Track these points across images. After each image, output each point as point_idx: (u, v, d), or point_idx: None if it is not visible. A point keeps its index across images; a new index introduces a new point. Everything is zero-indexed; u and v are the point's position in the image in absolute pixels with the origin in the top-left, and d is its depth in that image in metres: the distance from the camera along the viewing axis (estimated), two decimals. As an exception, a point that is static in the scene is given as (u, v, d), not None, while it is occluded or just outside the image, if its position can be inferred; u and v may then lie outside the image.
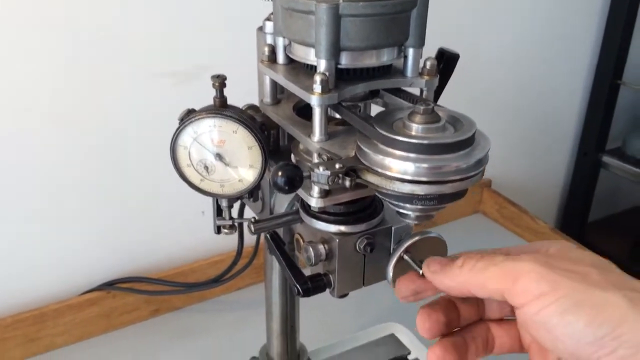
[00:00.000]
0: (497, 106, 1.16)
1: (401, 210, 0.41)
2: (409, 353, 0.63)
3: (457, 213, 1.17)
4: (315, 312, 0.73)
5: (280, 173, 0.36)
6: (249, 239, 0.80)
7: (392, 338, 0.65)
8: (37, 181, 0.79)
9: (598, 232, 1.37)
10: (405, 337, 0.80)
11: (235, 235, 0.90)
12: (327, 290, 0.50)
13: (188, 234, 0.92)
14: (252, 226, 0.48)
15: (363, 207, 0.48)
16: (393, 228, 0.48)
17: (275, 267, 0.62)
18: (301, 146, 0.49)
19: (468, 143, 0.37)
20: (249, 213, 0.61)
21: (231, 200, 0.50)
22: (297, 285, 0.48)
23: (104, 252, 0.86)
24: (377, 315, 0.89)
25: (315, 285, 0.48)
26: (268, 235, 0.50)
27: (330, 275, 0.48)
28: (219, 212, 0.57)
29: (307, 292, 0.48)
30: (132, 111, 0.82)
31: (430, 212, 0.40)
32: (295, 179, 0.37)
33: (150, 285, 0.87)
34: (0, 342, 0.79)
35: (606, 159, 1.26)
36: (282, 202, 0.54)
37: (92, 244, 0.85)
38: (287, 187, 0.37)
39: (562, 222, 1.38)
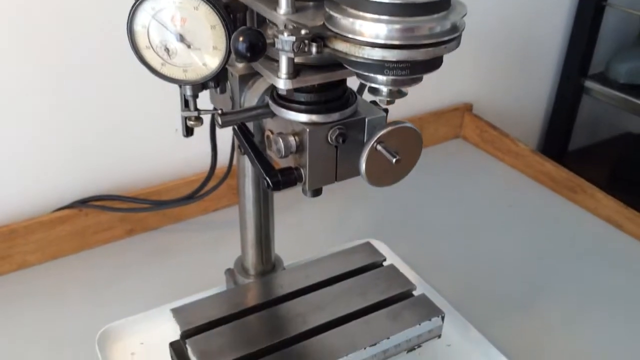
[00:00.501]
0: (479, 29, 1.13)
1: (372, 84, 0.39)
2: (384, 259, 0.63)
3: (437, 137, 1.16)
4: (292, 230, 0.72)
5: (241, 38, 0.34)
6: (223, 158, 0.78)
7: (367, 246, 0.64)
8: (9, 99, 0.76)
9: (579, 158, 1.37)
10: (381, 246, 0.80)
11: (210, 156, 0.89)
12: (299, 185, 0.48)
13: (162, 153, 0.90)
14: (219, 118, 0.46)
15: (335, 96, 0.46)
16: (367, 119, 0.47)
17: (248, 174, 0.61)
18: (269, 31, 0.46)
19: (443, 6, 0.35)
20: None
21: (195, 88, 0.47)
22: (267, 178, 0.46)
23: (76, 171, 0.84)
24: (354, 233, 0.89)
25: (285, 178, 0.47)
26: (236, 127, 0.48)
27: (302, 169, 0.47)
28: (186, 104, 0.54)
29: (277, 185, 0.46)
30: (100, 29, 0.78)
31: (402, 85, 0.38)
32: (257, 45, 0.34)
33: (123, 203, 0.85)
34: (-31, 259, 0.77)
35: (589, 83, 1.25)
36: (252, 99, 0.52)
37: (64, 161, 0.82)
38: (248, 54, 0.35)
39: (543, 147, 1.37)
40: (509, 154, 1.10)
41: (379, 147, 0.45)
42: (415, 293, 0.58)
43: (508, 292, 0.80)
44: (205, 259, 0.84)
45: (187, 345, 0.51)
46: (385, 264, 0.62)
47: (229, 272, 0.70)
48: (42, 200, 0.82)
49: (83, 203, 0.83)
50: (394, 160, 0.44)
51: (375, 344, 0.51)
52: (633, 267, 0.85)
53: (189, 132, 0.56)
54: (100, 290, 0.78)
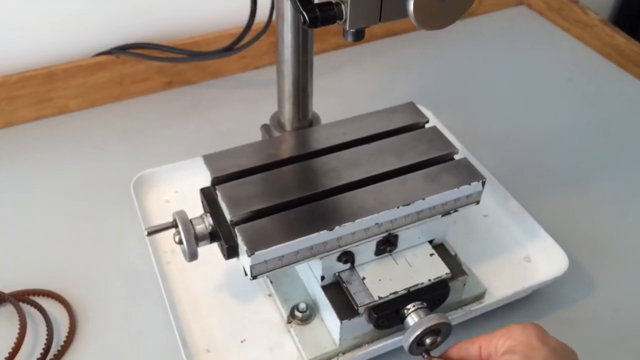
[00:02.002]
0: None
1: None
2: (427, 120, 0.59)
3: (499, 3, 1.06)
4: (331, 94, 0.68)
5: None
6: (263, 8, 0.73)
7: (410, 106, 0.60)
8: None
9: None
10: (425, 112, 0.76)
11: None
12: (338, 23, 0.44)
13: (204, 2, 0.85)
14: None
15: None
16: (419, -51, 0.41)
17: (287, 17, 0.56)
18: None
19: None
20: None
21: None
22: (304, 13, 0.42)
23: (114, 16, 0.80)
24: (399, 101, 0.84)
25: (324, 13, 0.42)
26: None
27: (343, 4, 0.42)
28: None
29: (315, 21, 0.42)
30: None
31: None
32: None
33: (161, 52, 0.82)
34: (9, 101, 0.77)
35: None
36: None
37: (103, 5, 0.79)
38: None
39: (615, 18, 1.25)
40: (577, 24, 1.01)
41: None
42: (456, 157, 0.55)
43: (555, 168, 0.76)
44: (244, 116, 0.82)
45: (217, 192, 0.50)
46: (427, 125, 0.58)
47: (265, 128, 0.68)
48: (81, 45, 0.80)
49: (121, 50, 0.81)
50: (446, -4, 0.39)
51: (408, 204, 0.49)
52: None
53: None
54: (138, 139, 0.78)
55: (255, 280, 0.49)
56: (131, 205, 0.66)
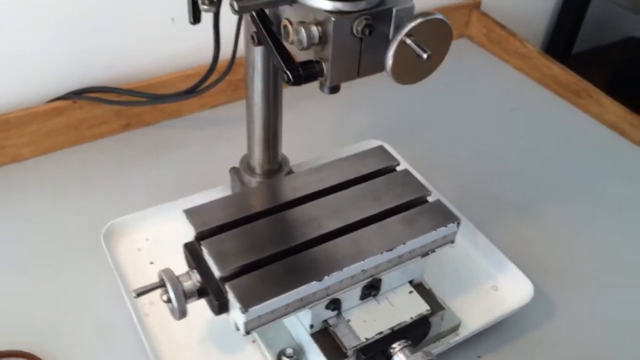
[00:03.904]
0: None
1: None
2: (398, 163, 0.61)
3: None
4: (293, 129, 0.70)
5: None
6: (225, 48, 0.74)
7: (380, 149, 0.62)
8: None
9: (583, 59, 1.34)
10: (392, 149, 0.78)
11: (209, 48, 0.83)
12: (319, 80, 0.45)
13: (158, 43, 0.84)
14: (235, 3, 0.42)
15: (364, -16, 0.42)
16: (394, 9, 0.43)
17: (257, 67, 0.57)
18: None
19: None
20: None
21: (213, -30, 0.43)
22: (287, 72, 0.43)
23: (69, 61, 0.79)
24: (358, 134, 0.87)
25: (307, 72, 0.44)
26: (254, 14, 0.44)
27: (324, 63, 0.44)
28: (195, -1, 0.50)
29: (298, 80, 0.43)
30: None
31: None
32: None
33: (119, 96, 0.81)
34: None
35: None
36: (269, -14, 0.47)
37: (56, 50, 0.77)
38: None
39: (547, 47, 1.33)
40: (516, 56, 1.07)
41: (408, 41, 0.42)
42: (429, 199, 0.57)
43: (508, 195, 0.80)
44: (205, 156, 0.82)
45: (203, 247, 0.50)
46: (398, 168, 0.61)
47: (234, 171, 0.69)
48: (36, 91, 0.78)
49: (77, 94, 0.79)
50: (425, 55, 0.41)
51: (391, 249, 0.51)
52: (636, 174, 0.85)
53: (196, 18, 0.52)
54: (99, 184, 0.77)
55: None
56: (101, 255, 0.64)
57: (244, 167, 0.67)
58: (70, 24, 0.76)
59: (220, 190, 0.71)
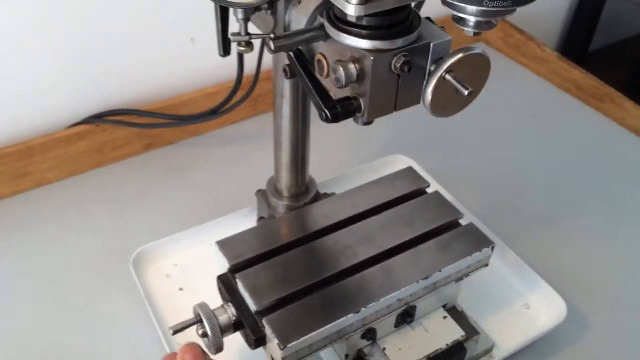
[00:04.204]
0: None
1: (461, 15, 0.34)
2: (429, 185, 0.60)
3: (456, 43, 1.10)
4: (313, 146, 0.69)
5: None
6: (248, 67, 0.74)
7: (410, 171, 0.62)
8: (16, 11, 0.69)
9: (599, 58, 1.33)
10: (407, 162, 0.78)
11: (228, 66, 0.83)
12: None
13: (178, 63, 0.84)
14: (272, 43, 0.42)
15: (400, 19, 0.42)
16: (432, 44, 0.43)
17: (286, 95, 0.57)
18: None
19: None
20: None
21: (248, 11, 0.42)
22: (326, 111, 0.43)
23: (88, 84, 0.79)
24: (379, 149, 0.86)
25: (345, 109, 0.43)
26: (292, 54, 0.43)
27: (361, 99, 0.43)
28: (224, 30, 0.49)
29: (337, 118, 0.43)
30: None
31: (496, 15, 0.34)
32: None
33: (140, 118, 0.81)
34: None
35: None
36: (299, 19, 0.47)
37: (75, 74, 0.77)
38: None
39: (563, 49, 1.32)
40: (534, 60, 1.06)
41: (448, 77, 0.42)
42: (462, 221, 0.57)
43: (533, 206, 0.79)
44: (229, 175, 0.82)
45: (238, 280, 0.50)
46: (428, 190, 0.60)
47: (261, 193, 0.69)
48: (55, 116, 0.78)
49: (98, 118, 0.79)
50: (466, 92, 0.40)
51: (427, 277, 0.51)
52: (660, 180, 0.84)
53: (227, 51, 0.51)
54: (124, 207, 0.77)
55: (265, 355, 0.49)
56: (130, 282, 0.64)
57: (271, 190, 0.67)
58: (88, 48, 0.76)
59: (247, 213, 0.71)
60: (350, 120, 0.44)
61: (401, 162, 0.80)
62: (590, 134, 0.93)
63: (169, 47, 0.82)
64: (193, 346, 0.46)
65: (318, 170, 0.70)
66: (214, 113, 0.80)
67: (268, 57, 0.72)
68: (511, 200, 0.80)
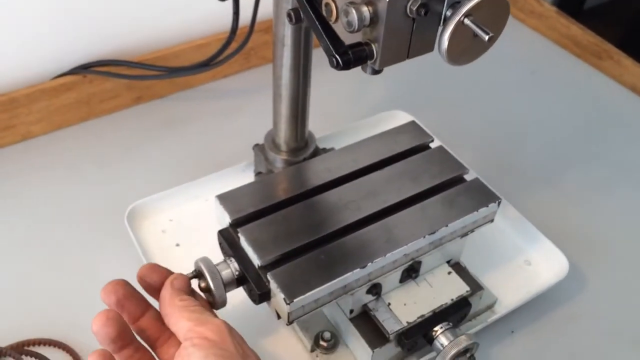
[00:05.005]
0: None
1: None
2: (432, 140, 0.59)
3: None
4: (311, 99, 0.67)
5: None
6: (243, 17, 0.71)
7: (413, 125, 0.60)
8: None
9: (595, 15, 1.31)
10: (407, 117, 0.76)
11: (222, 17, 0.80)
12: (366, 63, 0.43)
13: (167, 13, 0.80)
14: (280, -18, 0.39)
15: (416, -41, 0.39)
16: (449, -13, 0.40)
17: (287, 43, 0.54)
18: None
19: None
20: None
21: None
22: (337, 56, 0.40)
23: (75, 34, 0.75)
24: (376, 104, 0.84)
25: (357, 55, 0.41)
26: (301, -6, 0.41)
27: (373, 45, 0.41)
28: (224, -29, 0.46)
29: (348, 64, 0.41)
30: None
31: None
32: None
33: (129, 69, 0.77)
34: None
35: None
36: (306, -42, 0.44)
37: (60, 24, 0.73)
38: None
39: (559, 3, 1.29)
40: (532, 15, 1.03)
41: (466, 21, 0.39)
42: (467, 177, 0.56)
43: (532, 163, 0.78)
44: (222, 130, 0.80)
45: (240, 234, 0.48)
46: (432, 145, 0.59)
47: (258, 148, 0.66)
48: (41, 66, 0.74)
49: (85, 68, 0.76)
50: (486, 37, 0.38)
51: (434, 232, 0.49)
52: (658, 137, 0.84)
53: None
54: (115, 161, 0.74)
55: (269, 309, 0.49)
56: (125, 237, 0.63)
57: (269, 144, 0.65)
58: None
59: (244, 168, 0.69)
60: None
61: (400, 118, 0.78)
62: (588, 91, 0.92)
63: (158, -6, 0.78)
64: (184, 277, 0.46)
65: (315, 125, 0.68)
66: (205, 65, 0.77)
67: (263, 7, 0.69)
68: (509, 157, 0.79)
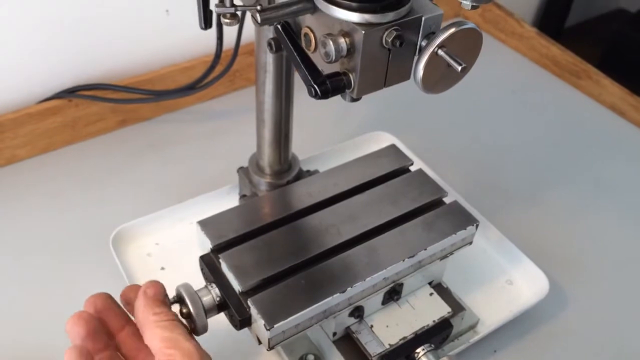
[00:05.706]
0: None
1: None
2: (412, 163, 0.60)
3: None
4: (295, 120, 0.68)
5: None
6: (227, 40, 0.71)
7: (393, 149, 0.61)
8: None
9: (575, 33, 1.34)
10: (390, 139, 0.77)
11: (203, 40, 0.81)
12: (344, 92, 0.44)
13: (152, 36, 0.81)
14: (258, 15, 0.40)
15: (390, -8, 0.40)
16: (423, 18, 0.42)
17: (270, 70, 0.55)
18: None
19: None
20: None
21: (233, -19, 0.41)
22: (315, 86, 0.41)
23: (60, 58, 0.75)
24: (359, 125, 0.85)
25: (334, 85, 0.42)
26: (279, 27, 0.42)
27: (351, 74, 0.42)
28: (205, 1, 0.48)
29: (326, 93, 0.42)
30: None
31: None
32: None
33: (115, 93, 0.78)
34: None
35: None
36: (285, -11, 0.45)
37: (46, 48, 0.74)
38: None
39: (539, 24, 1.32)
40: (513, 36, 1.05)
41: (440, 52, 0.41)
42: (446, 200, 0.57)
43: (512, 182, 0.80)
44: (207, 152, 0.80)
45: (221, 260, 0.49)
46: (412, 168, 0.60)
47: (243, 171, 0.67)
48: (27, 90, 0.75)
49: (71, 93, 0.76)
50: (459, 68, 0.40)
51: (413, 256, 0.50)
52: (636, 155, 0.85)
53: (208, 24, 0.49)
54: (100, 185, 0.74)
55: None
56: (110, 261, 0.63)
57: (253, 167, 0.65)
58: (59, 20, 0.73)
59: (228, 190, 0.69)
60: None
61: (383, 139, 0.79)
62: (567, 110, 0.93)
63: (144, 18, 0.79)
64: (157, 284, 0.46)
65: (299, 147, 0.69)
66: (191, 88, 0.77)
67: (246, 30, 0.70)
68: (491, 177, 0.80)
